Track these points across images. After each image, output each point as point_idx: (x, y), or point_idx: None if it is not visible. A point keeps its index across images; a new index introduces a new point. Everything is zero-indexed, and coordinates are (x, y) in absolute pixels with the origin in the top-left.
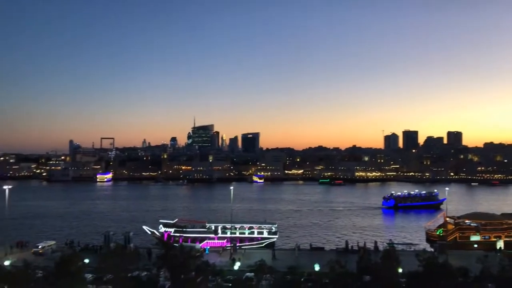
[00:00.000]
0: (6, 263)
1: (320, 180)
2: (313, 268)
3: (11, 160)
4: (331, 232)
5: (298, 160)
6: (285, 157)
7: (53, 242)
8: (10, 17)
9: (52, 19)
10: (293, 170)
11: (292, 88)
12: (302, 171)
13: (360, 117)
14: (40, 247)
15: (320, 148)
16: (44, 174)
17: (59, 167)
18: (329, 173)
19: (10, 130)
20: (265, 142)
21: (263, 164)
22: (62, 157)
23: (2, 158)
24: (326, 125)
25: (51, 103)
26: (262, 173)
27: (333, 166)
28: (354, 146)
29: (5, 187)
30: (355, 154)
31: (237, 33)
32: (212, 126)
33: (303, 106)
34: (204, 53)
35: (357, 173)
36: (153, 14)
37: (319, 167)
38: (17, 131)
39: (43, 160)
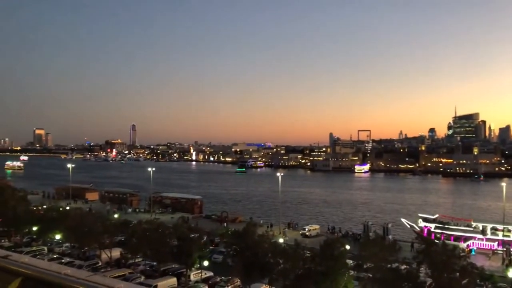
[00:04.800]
0: (280, 240)
1: None
2: None
3: (281, 151)
4: None
5: None
6: None
7: (317, 226)
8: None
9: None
10: None
11: None
12: None
13: None
14: (307, 229)
15: None
16: (308, 164)
17: (321, 158)
18: None
19: (280, 125)
20: None
21: None
22: (323, 149)
23: (275, 150)
24: None
25: (315, 101)
26: None
27: None
28: None
29: (277, 174)
30: None
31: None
32: (477, 114)
33: None
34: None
35: None
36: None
37: None
38: (286, 126)
39: (307, 151)
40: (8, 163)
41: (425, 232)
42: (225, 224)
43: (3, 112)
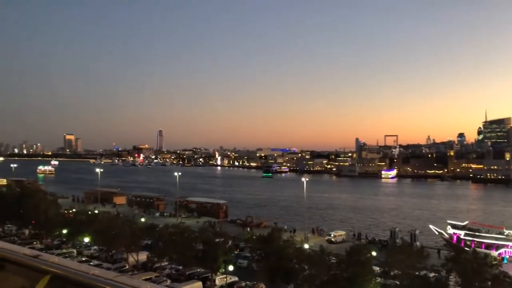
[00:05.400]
0: (306, 246)
1: None
2: None
3: (306, 156)
4: None
5: None
6: None
7: (343, 232)
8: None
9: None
10: None
11: None
12: None
13: None
14: (332, 235)
15: None
16: (334, 169)
17: (347, 163)
18: None
19: (305, 130)
20: None
21: None
22: (349, 154)
23: (299, 155)
24: None
25: (340, 106)
26: None
27: None
28: None
29: (302, 179)
30: None
31: None
32: (508, 119)
33: None
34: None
35: None
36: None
37: None
38: (311, 131)
39: (333, 157)
40: (40, 167)
41: (455, 239)
42: (248, 229)
43: (36, 118)
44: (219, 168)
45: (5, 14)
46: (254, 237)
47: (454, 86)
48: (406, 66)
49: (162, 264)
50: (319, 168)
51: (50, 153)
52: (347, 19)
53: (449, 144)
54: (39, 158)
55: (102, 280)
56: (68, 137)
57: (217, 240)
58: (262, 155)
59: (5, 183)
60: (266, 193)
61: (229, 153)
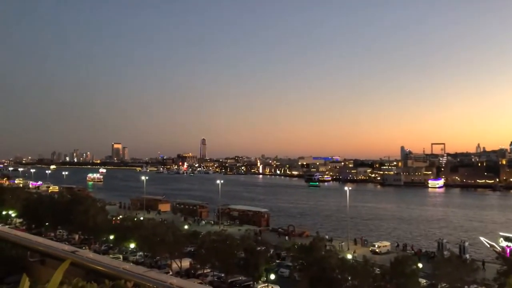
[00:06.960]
0: (349, 256)
1: None
2: None
3: (350, 165)
4: None
5: None
6: None
7: (388, 243)
8: None
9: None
10: None
11: None
12: None
13: None
14: (376, 246)
15: None
16: (378, 178)
17: (392, 172)
18: None
19: (348, 139)
20: None
21: None
22: (394, 163)
23: (342, 163)
24: None
25: (384, 112)
26: None
27: None
28: None
29: (345, 188)
30: None
31: None
32: None
33: None
34: None
35: None
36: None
37: None
38: (354, 139)
39: (377, 165)
40: (90, 175)
41: (508, 252)
42: (287, 237)
43: (86, 128)
44: (260, 176)
45: (72, 23)
46: (295, 246)
47: (506, 90)
48: (454, 70)
49: (205, 271)
50: (362, 177)
51: (98, 161)
52: (391, 23)
53: (500, 153)
54: (89, 166)
55: (132, 274)
56: (116, 145)
57: (259, 248)
58: (304, 163)
59: (56, 190)
60: (309, 202)
61: (270, 161)
